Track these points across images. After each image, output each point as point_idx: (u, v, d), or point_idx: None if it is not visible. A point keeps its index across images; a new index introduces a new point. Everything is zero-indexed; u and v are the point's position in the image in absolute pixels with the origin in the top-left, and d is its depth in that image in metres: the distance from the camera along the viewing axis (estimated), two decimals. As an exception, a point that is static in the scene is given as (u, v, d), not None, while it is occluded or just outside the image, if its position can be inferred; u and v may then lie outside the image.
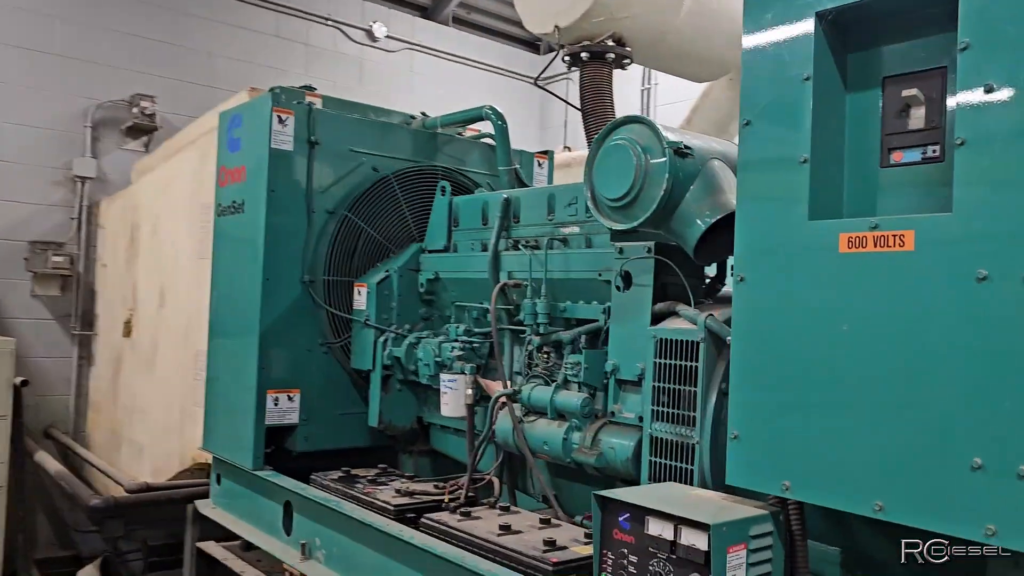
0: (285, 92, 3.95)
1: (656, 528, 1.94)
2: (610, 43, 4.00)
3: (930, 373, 1.66)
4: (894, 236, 1.72)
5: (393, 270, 3.94)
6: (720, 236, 2.49)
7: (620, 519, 2.04)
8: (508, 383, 3.24)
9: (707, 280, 2.90)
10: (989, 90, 1.60)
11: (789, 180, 1.91)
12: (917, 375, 1.68)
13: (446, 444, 3.86)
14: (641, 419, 2.71)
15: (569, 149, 7.67)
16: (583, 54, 4.02)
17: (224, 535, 4.29)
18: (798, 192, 1.90)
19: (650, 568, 1.95)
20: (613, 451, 2.75)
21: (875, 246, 1.75)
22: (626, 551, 2.01)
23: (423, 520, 2.96)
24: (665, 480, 2.55)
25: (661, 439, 2.58)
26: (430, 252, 3.94)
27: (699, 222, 2.43)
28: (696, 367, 2.50)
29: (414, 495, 3.25)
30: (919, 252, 1.68)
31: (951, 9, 1.71)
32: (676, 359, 2.56)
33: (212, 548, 4.21)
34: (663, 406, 2.59)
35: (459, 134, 4.62)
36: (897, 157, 1.89)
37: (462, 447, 3.71)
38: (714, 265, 2.90)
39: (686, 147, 2.43)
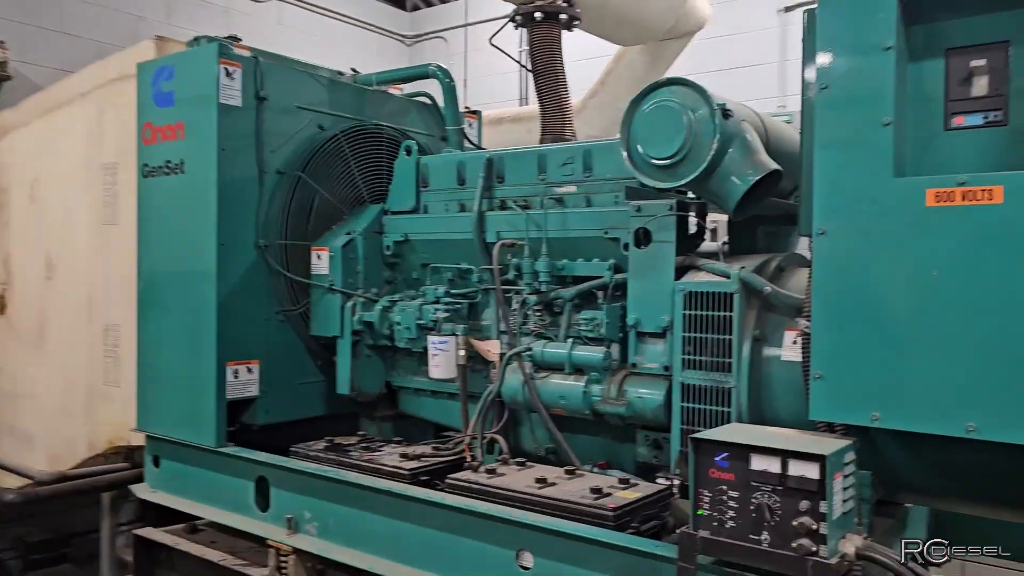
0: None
1: (761, 463, 2.10)
2: (562, 3, 4.05)
3: (1016, 309, 1.92)
4: (983, 191, 1.96)
5: (357, 233, 3.81)
6: (753, 193, 2.67)
7: (716, 459, 2.18)
8: (514, 341, 3.27)
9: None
10: (1074, 63, 1.86)
11: (874, 141, 2.10)
12: (1005, 312, 1.94)
13: (419, 407, 3.82)
14: (667, 368, 2.87)
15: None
16: (536, 14, 4.04)
17: (154, 521, 4.02)
18: (883, 152, 2.09)
19: (753, 500, 2.11)
20: (641, 400, 2.89)
21: (963, 200, 1.98)
22: (725, 487, 2.16)
23: (450, 480, 2.96)
24: (698, 424, 2.73)
25: (694, 386, 2.75)
26: (395, 213, 3.84)
27: (740, 180, 2.59)
28: (731, 316, 2.68)
29: (422, 458, 3.23)
30: (1007, 204, 1.93)
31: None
32: (708, 310, 2.73)
33: (155, 534, 3.93)
34: (694, 355, 2.76)
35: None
36: (959, 121, 2.13)
37: (439, 410, 3.73)
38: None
39: (728, 109, 2.57)
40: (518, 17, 4.12)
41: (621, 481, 2.83)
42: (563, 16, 4.07)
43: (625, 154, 2.74)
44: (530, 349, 3.18)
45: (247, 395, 3.70)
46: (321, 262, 3.82)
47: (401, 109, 4.47)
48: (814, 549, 2.01)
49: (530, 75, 4.11)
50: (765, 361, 2.70)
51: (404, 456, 3.26)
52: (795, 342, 2.65)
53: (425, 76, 4.35)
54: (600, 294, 3.10)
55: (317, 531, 3.31)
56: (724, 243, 3.32)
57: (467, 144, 4.31)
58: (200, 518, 3.89)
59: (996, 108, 2.09)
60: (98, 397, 4.54)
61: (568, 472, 2.96)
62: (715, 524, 2.17)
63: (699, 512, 2.21)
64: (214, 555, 3.63)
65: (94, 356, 4.55)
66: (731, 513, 2.14)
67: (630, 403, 2.90)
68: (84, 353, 4.61)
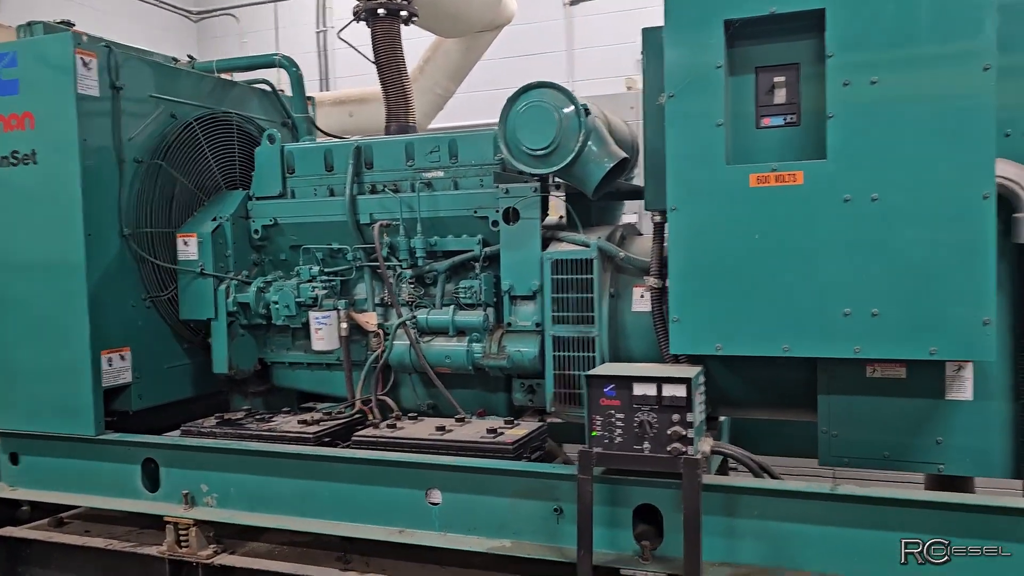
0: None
1: (641, 389, 2.71)
2: (402, 1, 4.41)
3: (813, 259, 2.67)
4: (789, 175, 2.67)
5: (225, 218, 3.96)
6: (608, 176, 3.26)
7: (605, 390, 2.76)
8: (401, 311, 3.65)
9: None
10: (846, 84, 2.60)
11: (710, 137, 2.76)
12: (807, 262, 2.67)
13: (295, 380, 4.08)
14: (538, 325, 3.42)
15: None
16: (379, 10, 4.37)
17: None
18: (717, 146, 2.75)
19: (636, 418, 2.71)
20: (520, 353, 3.41)
21: (775, 181, 2.69)
22: (612, 411, 2.74)
23: (357, 437, 3.32)
24: (568, 369, 3.31)
25: (563, 337, 3.33)
26: (260, 199, 4.04)
27: (599, 166, 3.18)
28: (591, 279, 3.28)
29: (320, 423, 3.54)
30: (806, 184, 2.66)
31: (808, 25, 2.68)
32: (572, 274, 3.31)
33: (20, 532, 3.86)
34: (561, 312, 3.33)
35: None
36: (766, 122, 2.84)
37: (316, 380, 4.02)
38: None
39: (588, 107, 3.13)
40: (362, 13, 4.43)
41: (507, 422, 3.35)
42: (403, 12, 4.44)
43: (503, 145, 3.22)
44: (415, 317, 3.59)
45: (121, 382, 3.76)
46: (189, 248, 3.94)
47: (243, 96, 4.60)
48: (684, 450, 2.66)
49: (327, 56, 4.38)
50: (619, 313, 3.34)
51: (303, 423, 3.55)
52: (642, 296, 3.31)
53: (271, 65, 4.52)
54: (476, 265, 3.56)
55: (217, 502, 3.51)
56: (561, 217, 3.91)
57: (316, 131, 4.54)
58: (65, 510, 3.90)
59: (792, 112, 2.82)
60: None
61: (458, 420, 3.43)
62: (606, 441, 2.76)
63: (593, 433, 2.78)
64: (97, 542, 3.69)
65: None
66: (619, 431, 2.74)
67: (510, 356, 3.42)
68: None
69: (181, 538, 3.50)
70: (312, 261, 3.94)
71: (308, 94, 5.00)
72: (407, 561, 3.32)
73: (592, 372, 2.81)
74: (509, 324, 3.49)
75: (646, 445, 2.71)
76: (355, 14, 4.44)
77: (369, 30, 4.45)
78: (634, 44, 7.51)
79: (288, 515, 3.38)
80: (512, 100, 3.19)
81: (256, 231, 4.02)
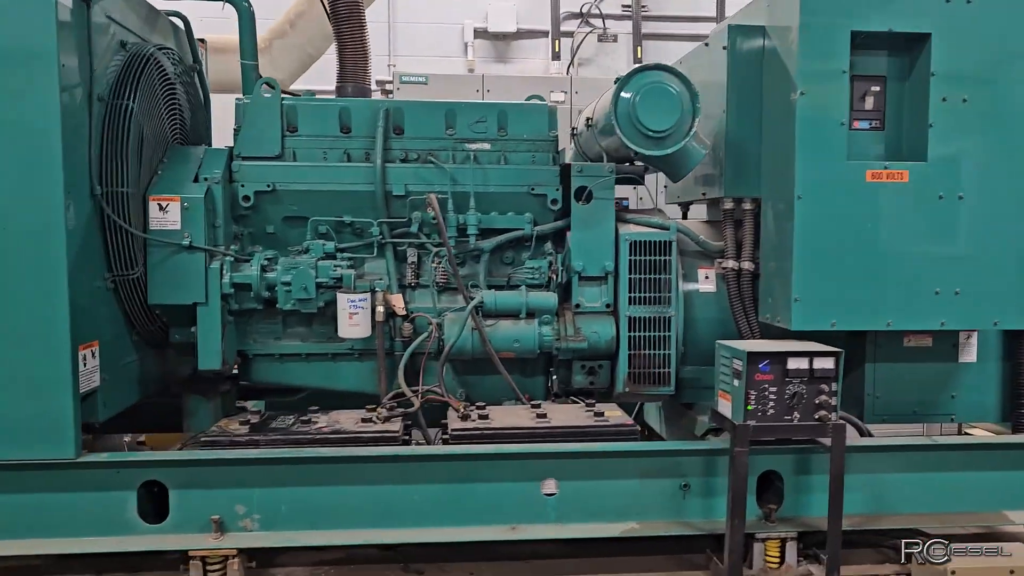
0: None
1: (795, 363, 2.91)
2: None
3: (913, 245, 3.12)
4: (897, 173, 3.08)
5: (215, 180, 3.23)
6: (683, 162, 3.38)
7: (760, 365, 2.91)
8: (466, 294, 3.33)
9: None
10: (944, 100, 3.09)
11: (835, 134, 3.05)
12: (908, 247, 3.11)
13: (286, 374, 3.48)
14: (608, 306, 3.41)
15: None
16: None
17: None
18: (840, 142, 3.06)
19: (788, 391, 2.91)
20: (597, 335, 3.37)
21: (887, 178, 3.08)
22: (766, 385, 2.91)
23: (455, 432, 3.00)
24: (642, 349, 3.38)
25: (639, 318, 3.38)
26: (250, 159, 3.35)
27: (697, 153, 3.28)
28: (669, 260, 3.38)
29: (389, 419, 3.10)
30: (910, 182, 3.09)
31: (904, 46, 3.12)
32: (650, 255, 3.37)
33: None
34: (637, 292, 3.38)
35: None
36: (856, 124, 3.22)
37: (317, 373, 3.51)
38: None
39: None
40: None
41: (588, 406, 3.30)
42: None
43: (615, 123, 3.15)
44: (481, 299, 3.32)
45: (93, 386, 2.89)
46: (168, 214, 3.15)
47: (166, 30, 3.73)
48: (831, 417, 2.93)
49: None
50: (688, 294, 3.48)
51: (365, 420, 3.08)
52: (707, 277, 3.50)
53: (218, -2, 3.73)
54: (547, 244, 3.42)
55: (260, 524, 2.90)
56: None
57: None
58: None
59: (877, 118, 3.23)
60: None
61: (534, 406, 3.28)
62: (759, 414, 2.91)
63: (748, 407, 2.91)
64: (64, 598, 2.83)
65: None
66: (771, 403, 2.91)
67: (587, 338, 3.36)
68: None
69: (209, 572, 2.85)
70: (315, 236, 3.40)
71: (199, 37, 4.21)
72: (474, 561, 3.12)
73: (750, 349, 2.92)
74: (578, 305, 3.41)
75: (796, 415, 2.92)
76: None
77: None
78: (456, 26, 7.51)
79: (365, 528, 2.94)
80: (628, 79, 3.14)
81: (246, 197, 3.34)
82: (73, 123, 2.76)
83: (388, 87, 6.62)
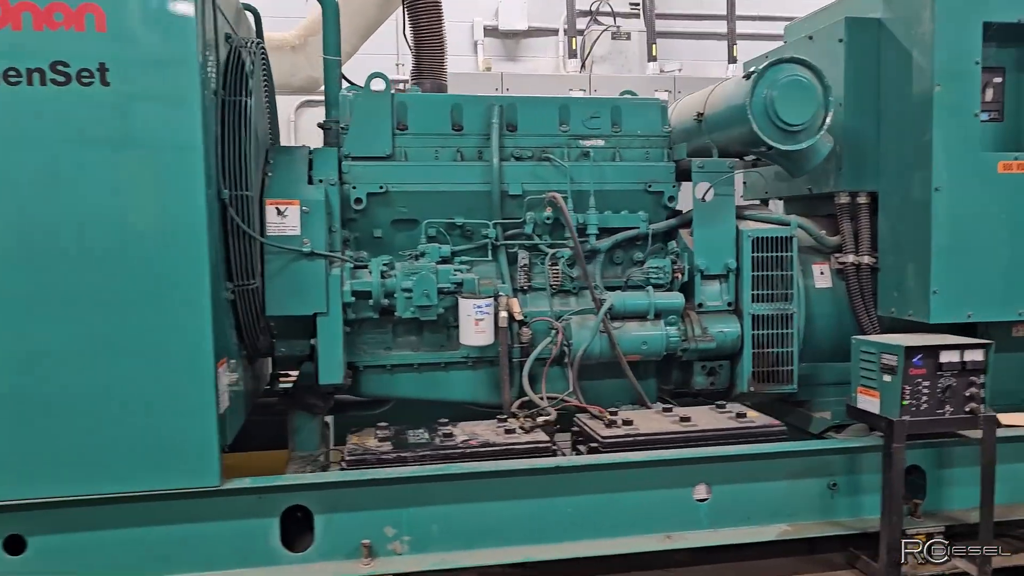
0: None
1: (946, 357, 2.89)
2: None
3: (1042, 237, 3.15)
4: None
5: (331, 182, 3.03)
6: (801, 158, 3.34)
7: (914, 360, 2.88)
8: (597, 297, 3.21)
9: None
10: (1068, 90, 3.13)
11: (969, 125, 3.06)
12: (1035, 240, 3.14)
13: (394, 385, 3.28)
14: (730, 304, 3.35)
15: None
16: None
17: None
18: (974, 134, 3.07)
19: (939, 383, 2.89)
20: (723, 334, 3.30)
21: (1017, 169, 3.10)
22: (919, 379, 2.89)
23: (606, 439, 2.88)
24: (764, 347, 3.33)
25: (763, 315, 3.33)
26: (360, 159, 3.16)
27: (823, 149, 3.24)
28: (791, 256, 3.34)
29: (532, 430, 2.96)
30: (1039, 173, 3.12)
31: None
32: (772, 252, 3.32)
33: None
34: (760, 289, 3.32)
35: None
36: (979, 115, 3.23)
37: (424, 384, 3.32)
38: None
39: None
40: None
41: (718, 407, 3.23)
42: (450, -48, 3.84)
43: (750, 115, 3.08)
44: (612, 302, 3.20)
45: (224, 407, 2.66)
46: (287, 219, 2.93)
47: (245, 21, 3.49)
48: (981, 408, 2.92)
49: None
50: (805, 290, 3.44)
51: (508, 431, 2.93)
52: (822, 273, 3.47)
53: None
54: (646, 243, 3.34)
55: (410, 546, 2.73)
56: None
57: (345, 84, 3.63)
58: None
59: (996, 109, 3.26)
60: None
61: (666, 410, 3.19)
62: (913, 409, 2.89)
63: (903, 403, 2.89)
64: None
65: None
66: (924, 398, 2.89)
67: (715, 338, 3.28)
68: None
69: (363, 604, 2.67)
70: (413, 240, 3.24)
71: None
72: (625, 572, 3.01)
73: (906, 344, 2.89)
74: (700, 304, 3.33)
75: (948, 408, 2.91)
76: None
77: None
78: (466, 24, 7.33)
79: (510, 546, 2.79)
80: (764, 72, 3.07)
81: (358, 199, 3.14)
82: (205, 122, 2.54)
83: (400, 87, 6.43)
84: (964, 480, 3.09)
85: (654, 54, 6.98)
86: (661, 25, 7.21)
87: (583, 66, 7.01)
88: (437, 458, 2.80)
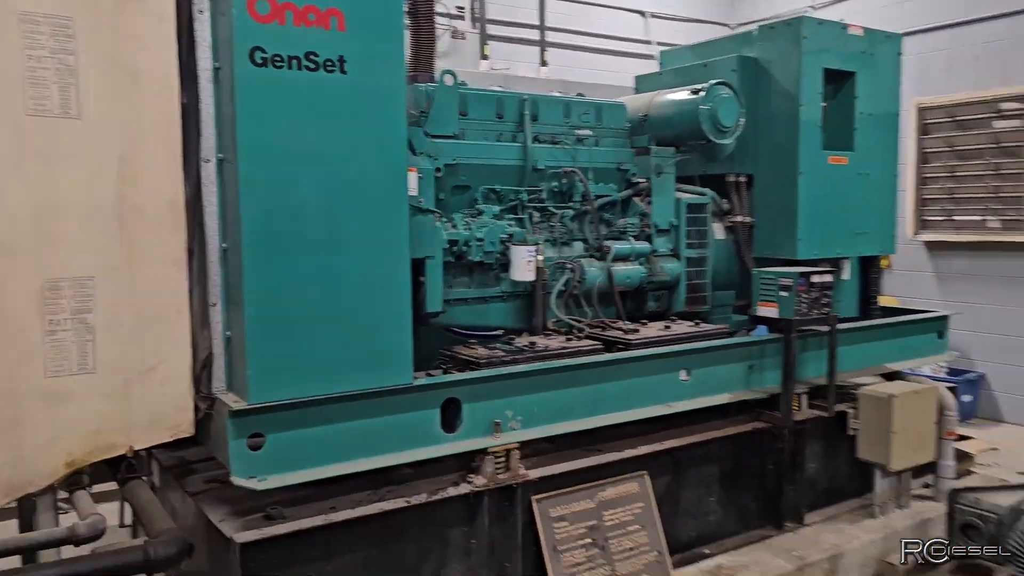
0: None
1: (815, 279, 4.58)
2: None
3: (850, 202, 5.02)
4: (842, 158, 4.94)
5: (427, 154, 3.87)
6: (713, 149, 4.86)
7: (800, 280, 4.52)
8: (604, 246, 4.41)
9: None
10: (861, 113, 5.02)
11: (816, 134, 4.79)
12: (849, 204, 5.00)
13: (450, 317, 4.18)
14: (672, 250, 4.78)
15: None
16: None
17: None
18: (818, 138, 4.81)
19: (811, 295, 4.58)
20: (671, 271, 4.71)
21: (835, 161, 4.92)
22: (802, 294, 4.55)
23: (637, 341, 4.12)
24: (694, 279, 4.82)
25: (692, 257, 4.81)
26: (438, 137, 4.02)
27: (732, 143, 4.78)
28: (707, 216, 4.86)
29: (583, 338, 4.10)
30: (849, 164, 4.97)
31: (838, 78, 4.99)
32: (697, 214, 4.82)
33: (296, 525, 3.12)
34: (691, 240, 4.81)
35: None
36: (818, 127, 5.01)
37: (472, 315, 4.29)
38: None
39: (737, 101, 4.69)
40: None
41: (683, 318, 4.64)
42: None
43: (705, 120, 4.50)
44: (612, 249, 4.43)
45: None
46: (410, 182, 3.73)
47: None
48: (830, 311, 4.67)
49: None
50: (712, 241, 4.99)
51: (568, 339, 4.04)
52: (719, 229, 5.05)
53: None
54: (631, 204, 4.64)
55: (521, 424, 3.75)
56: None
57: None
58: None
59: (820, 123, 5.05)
60: (33, 400, 2.73)
61: (652, 323, 4.51)
62: (798, 312, 4.54)
63: (795, 308, 4.52)
64: (396, 503, 3.40)
65: (14, 335, 2.69)
66: (804, 305, 4.56)
67: (667, 273, 4.67)
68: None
69: (498, 464, 3.64)
70: (468, 202, 4.21)
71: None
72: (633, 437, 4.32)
73: (798, 271, 4.49)
74: (655, 250, 4.70)
75: (814, 311, 4.61)
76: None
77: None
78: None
79: (584, 417, 3.94)
80: (705, 89, 4.51)
81: (437, 169, 4.01)
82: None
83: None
84: (818, 358, 4.81)
85: (486, 53, 8.19)
86: (490, 29, 8.45)
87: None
88: (535, 359, 3.84)
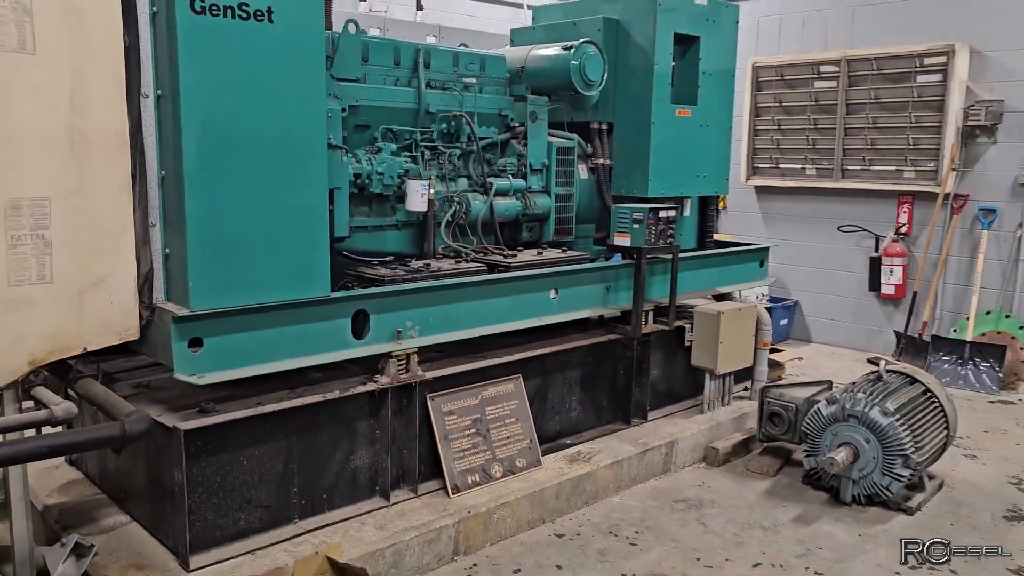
0: None
1: (663, 213, 5.44)
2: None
3: (693, 149, 5.89)
4: (687, 111, 5.78)
5: (335, 95, 4.34)
6: (582, 99, 5.57)
7: (650, 215, 5.36)
8: (487, 182, 5.02)
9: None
10: (703, 73, 5.87)
11: (661, 87, 5.60)
12: (692, 150, 5.87)
13: (353, 242, 4.72)
14: (544, 187, 5.49)
15: None
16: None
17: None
18: (667, 92, 5.61)
19: (658, 228, 5.43)
20: (543, 205, 5.42)
21: (681, 114, 5.76)
22: (651, 226, 5.39)
23: (514, 263, 4.81)
24: (560, 214, 5.57)
25: (560, 194, 5.54)
26: (343, 81, 4.48)
27: (598, 95, 5.49)
28: (574, 159, 5.59)
29: (474, 260, 4.73)
30: (692, 116, 5.82)
31: (684, 42, 5.81)
32: (565, 156, 5.54)
33: (226, 416, 3.64)
34: (559, 179, 5.53)
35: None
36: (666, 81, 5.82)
37: (372, 240, 4.86)
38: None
39: (601, 57, 5.39)
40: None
41: (552, 246, 5.37)
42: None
43: (576, 74, 5.16)
44: (493, 184, 5.07)
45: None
46: (320, 121, 4.20)
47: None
48: (673, 242, 5.57)
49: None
50: (577, 180, 5.73)
51: (458, 262, 4.67)
52: (583, 169, 5.79)
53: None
54: (511, 145, 5.28)
55: (418, 332, 4.39)
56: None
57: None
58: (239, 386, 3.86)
59: (672, 81, 5.86)
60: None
61: (528, 250, 5.22)
62: (647, 242, 5.38)
63: (645, 238, 5.36)
64: (314, 397, 3.98)
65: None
66: (652, 236, 5.41)
67: (540, 206, 5.38)
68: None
69: (399, 365, 4.28)
70: (368, 140, 4.72)
71: None
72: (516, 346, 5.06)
73: (648, 207, 5.31)
74: (529, 187, 5.38)
75: (660, 241, 5.46)
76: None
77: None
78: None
79: (471, 327, 4.62)
80: (575, 47, 5.16)
81: (343, 109, 4.48)
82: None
83: None
84: (662, 282, 5.70)
85: (421, 4, 8.55)
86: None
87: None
88: (430, 277, 4.46)
